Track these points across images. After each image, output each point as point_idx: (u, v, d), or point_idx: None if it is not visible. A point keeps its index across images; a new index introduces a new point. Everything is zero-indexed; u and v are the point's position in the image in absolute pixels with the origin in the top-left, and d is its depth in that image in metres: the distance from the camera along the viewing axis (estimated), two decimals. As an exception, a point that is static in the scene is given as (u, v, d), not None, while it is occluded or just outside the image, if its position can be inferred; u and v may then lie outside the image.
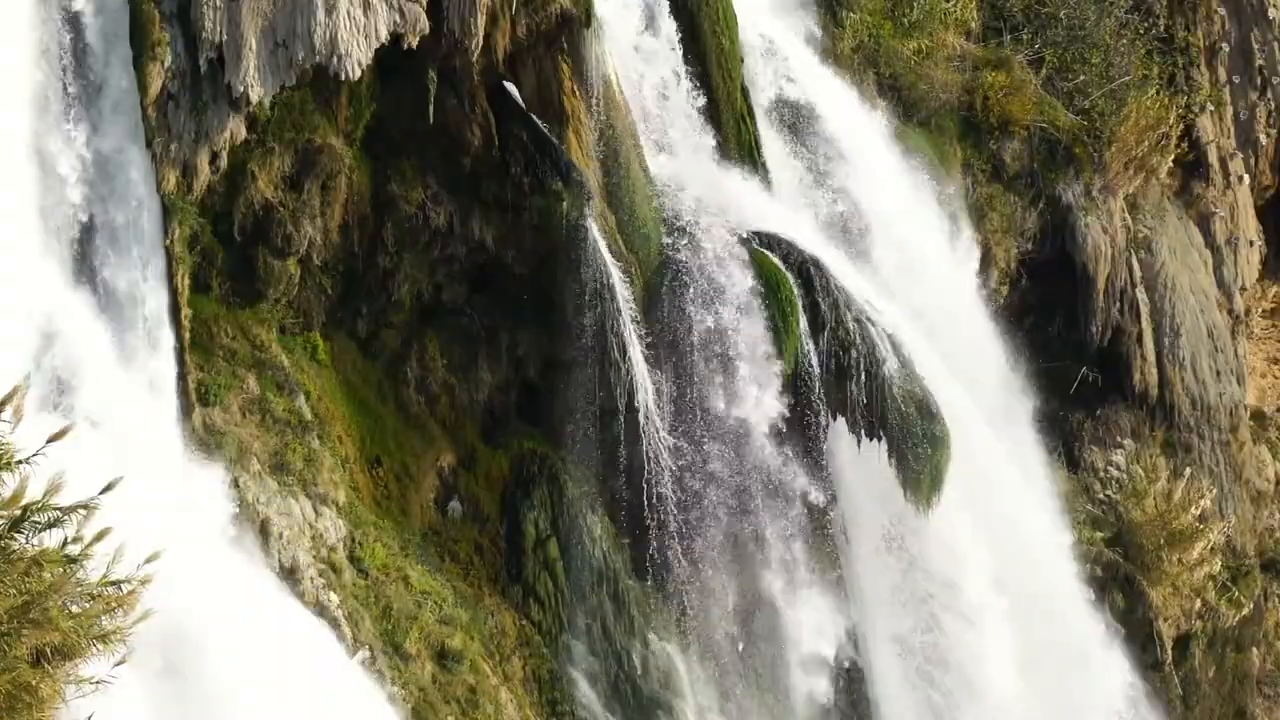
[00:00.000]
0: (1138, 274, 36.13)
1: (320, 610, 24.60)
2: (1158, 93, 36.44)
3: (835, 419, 28.41)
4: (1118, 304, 35.70)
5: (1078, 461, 35.98)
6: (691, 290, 27.35)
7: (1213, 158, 38.61)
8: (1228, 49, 39.01)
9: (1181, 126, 37.75)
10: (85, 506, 14.28)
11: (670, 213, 27.88)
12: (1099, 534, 34.85)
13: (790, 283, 27.78)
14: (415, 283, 26.89)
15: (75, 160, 23.02)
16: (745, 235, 27.85)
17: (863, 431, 28.41)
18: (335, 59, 23.98)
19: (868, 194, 30.59)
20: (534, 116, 26.54)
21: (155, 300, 23.79)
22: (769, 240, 28.12)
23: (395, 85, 25.94)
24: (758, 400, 27.59)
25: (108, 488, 14.60)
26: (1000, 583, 29.84)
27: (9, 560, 14.03)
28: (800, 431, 28.09)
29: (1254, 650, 37.47)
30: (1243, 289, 39.55)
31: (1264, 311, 41.53)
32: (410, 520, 27.17)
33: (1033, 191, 35.08)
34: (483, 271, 27.32)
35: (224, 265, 25.36)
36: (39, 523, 14.24)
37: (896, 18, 33.90)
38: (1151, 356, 36.28)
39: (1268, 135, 39.97)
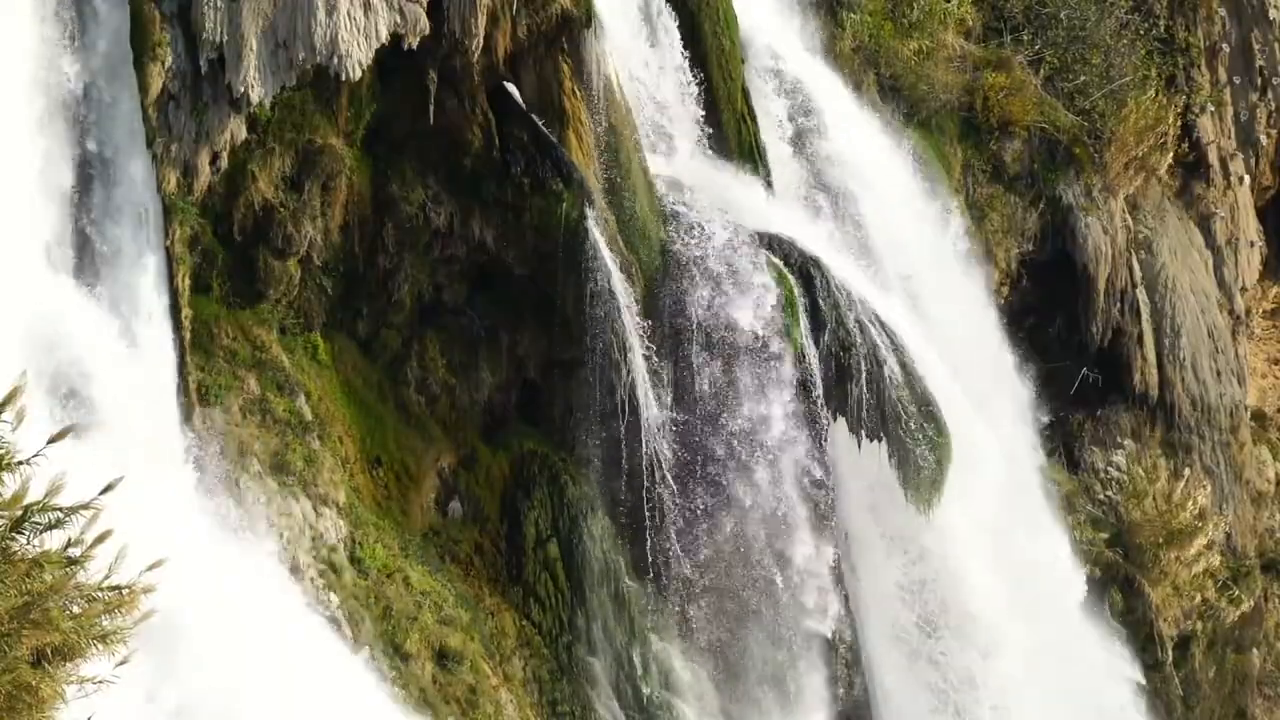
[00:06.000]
0: (1138, 275, 36.13)
1: (320, 610, 24.59)
2: (1158, 93, 36.44)
3: (836, 419, 28.41)
4: (1118, 305, 35.70)
5: (1078, 462, 35.99)
6: (692, 290, 27.34)
7: (1213, 158, 38.61)
8: (1228, 49, 39.00)
9: (1181, 127, 37.76)
10: (87, 507, 14.27)
11: (671, 213, 27.88)
12: (1099, 534, 34.86)
13: (791, 283, 27.78)
14: (415, 283, 26.88)
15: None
16: (747, 235, 27.84)
17: (864, 432, 28.42)
18: (335, 59, 23.98)
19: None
20: (534, 117, 26.54)
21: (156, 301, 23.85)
22: (770, 241, 28.12)
23: (395, 86, 25.94)
24: (759, 400, 27.58)
25: (108, 488, 14.58)
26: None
27: (10, 561, 14.02)
28: (802, 431, 28.08)
29: (1254, 651, 37.48)
30: (1243, 289, 39.54)
31: (1264, 312, 41.53)
32: (410, 521, 27.16)
33: (1033, 192, 35.09)
34: (483, 272, 27.31)
35: (224, 266, 25.36)
36: (40, 524, 14.23)
37: (896, 18, 33.90)
38: (1152, 357, 36.28)
39: (1268, 136, 39.97)
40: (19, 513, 14.17)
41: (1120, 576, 34.58)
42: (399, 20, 24.42)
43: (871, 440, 28.53)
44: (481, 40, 25.43)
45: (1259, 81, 39.65)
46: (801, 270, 28.05)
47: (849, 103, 32.02)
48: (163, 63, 23.44)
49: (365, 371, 27.08)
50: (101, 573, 14.40)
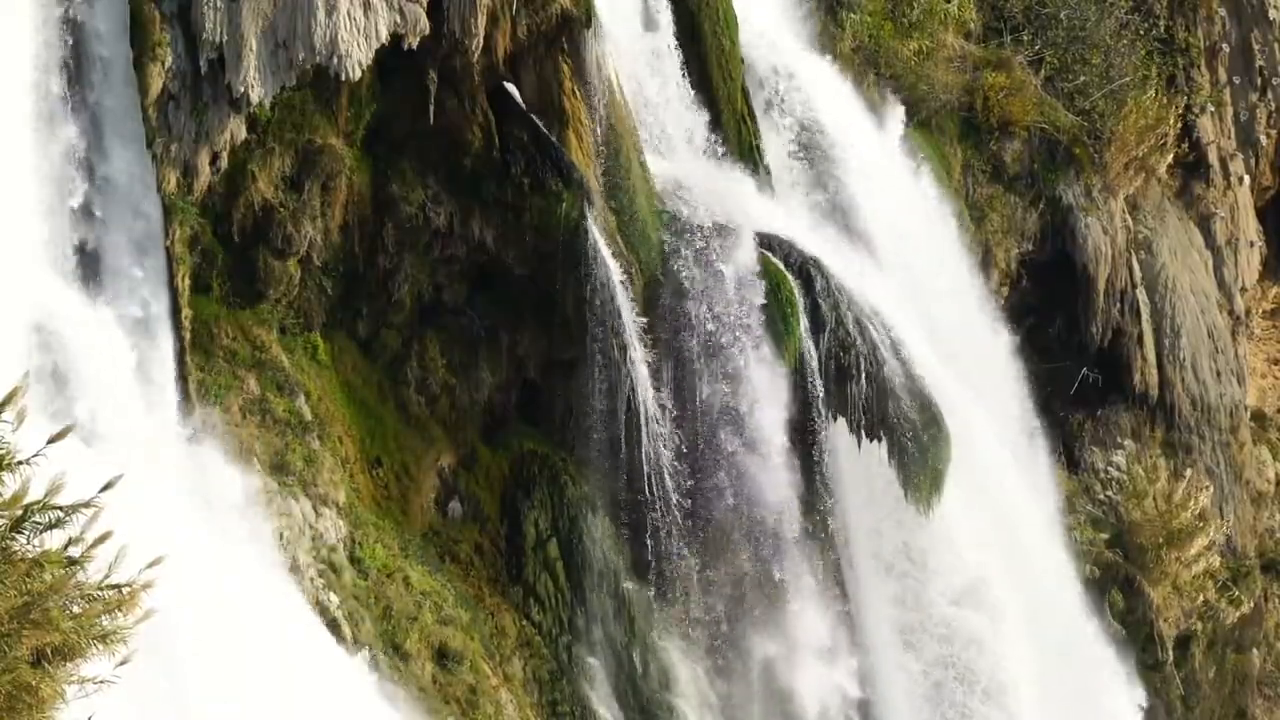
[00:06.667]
0: (1138, 275, 36.13)
1: (320, 610, 24.58)
2: (1158, 93, 36.44)
3: (835, 420, 28.40)
4: (1118, 305, 35.70)
5: (1078, 462, 36.00)
6: (692, 290, 27.34)
7: (1213, 158, 38.61)
8: (1228, 50, 38.99)
9: (1181, 127, 37.77)
10: (87, 506, 14.27)
11: (671, 213, 27.88)
12: (1099, 534, 34.86)
13: (790, 283, 27.78)
14: (415, 283, 26.88)
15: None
16: (746, 235, 27.84)
17: (863, 432, 28.41)
18: (335, 59, 23.97)
19: None
20: (534, 117, 26.54)
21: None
22: (769, 241, 28.11)
23: (395, 86, 25.93)
24: (758, 401, 27.58)
25: (107, 486, 14.59)
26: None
27: (10, 561, 14.02)
28: (801, 432, 28.08)
29: (1254, 651, 37.48)
30: (1243, 290, 39.54)
31: (1264, 312, 41.53)
32: (410, 520, 27.16)
33: (1033, 192, 35.09)
34: (483, 272, 27.31)
35: (224, 266, 25.35)
36: (40, 523, 14.23)
37: (896, 18, 33.91)
38: (1152, 357, 36.28)
39: (1268, 136, 39.96)
40: (19, 513, 14.17)
41: (1120, 576, 34.58)
42: (399, 20, 24.42)
43: (871, 440, 28.53)
44: (481, 40, 25.42)
45: (1259, 81, 39.65)
46: (801, 270, 28.05)
47: (847, 99, 32.02)
48: (163, 63, 23.43)
49: (365, 371, 27.08)
50: (101, 573, 14.40)
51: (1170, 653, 34.94)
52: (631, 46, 28.26)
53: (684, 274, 27.42)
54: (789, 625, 28.57)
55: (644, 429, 26.83)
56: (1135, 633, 34.32)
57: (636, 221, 27.41)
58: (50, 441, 14.39)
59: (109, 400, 22.43)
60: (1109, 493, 35.75)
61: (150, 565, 14.47)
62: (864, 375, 28.17)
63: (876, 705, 29.68)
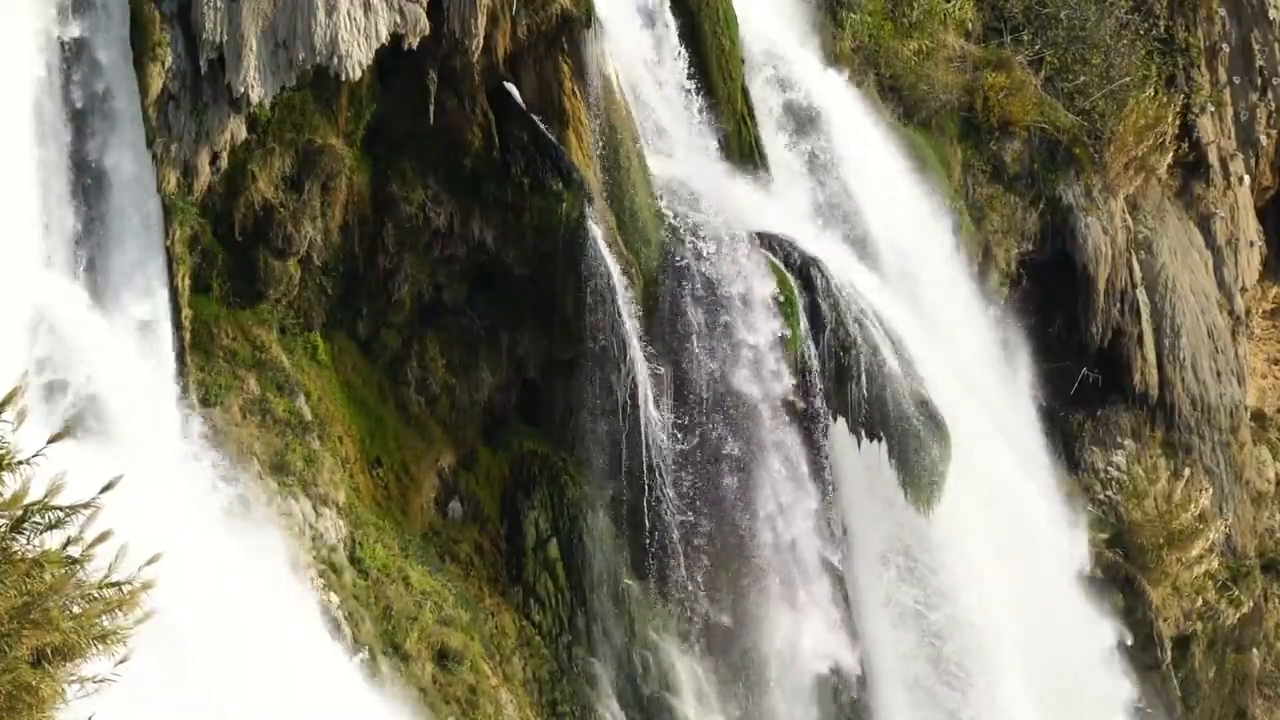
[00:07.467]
0: (1138, 275, 36.15)
1: (320, 611, 24.58)
2: (1158, 93, 36.46)
3: (836, 420, 28.40)
4: (1118, 305, 35.72)
5: (1078, 462, 36.01)
6: (692, 290, 27.34)
7: (1213, 158, 38.63)
8: (1228, 49, 39.02)
9: (1181, 126, 37.79)
10: (87, 506, 14.28)
11: (671, 213, 27.88)
12: (1099, 534, 34.87)
13: (791, 283, 27.78)
14: (415, 283, 26.88)
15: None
16: (747, 236, 27.84)
17: (863, 432, 28.41)
18: (335, 59, 23.97)
19: None
20: (534, 117, 26.54)
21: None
22: (769, 241, 28.12)
23: (395, 86, 25.94)
24: (758, 401, 27.58)
25: (107, 487, 14.59)
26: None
27: (10, 561, 14.03)
28: (801, 432, 28.08)
29: (1254, 651, 37.49)
30: (1243, 290, 39.57)
31: (1264, 312, 41.55)
32: (410, 521, 27.16)
33: (1033, 192, 35.11)
34: (483, 272, 27.32)
35: (224, 266, 25.36)
36: (40, 524, 14.23)
37: (896, 18, 33.93)
38: (1152, 357, 36.30)
39: (1268, 136, 39.98)
40: (19, 513, 14.18)
41: (1120, 577, 34.59)
42: (399, 20, 24.42)
43: (871, 440, 28.52)
44: (481, 40, 25.43)
45: (1259, 81, 39.67)
46: (801, 270, 28.05)
47: (850, 102, 32.03)
48: (163, 63, 23.43)
49: (365, 371, 27.08)
50: (101, 572, 14.40)
51: (1170, 653, 34.95)
52: (631, 46, 28.25)
53: (684, 274, 27.42)
54: (789, 624, 28.56)
55: (644, 429, 26.82)
56: (1135, 633, 34.33)
57: (636, 221, 27.41)
58: (50, 441, 14.40)
59: (108, 400, 22.43)
60: (1109, 493, 35.77)
61: (149, 563, 14.47)
62: (864, 375, 28.17)
63: (875, 699, 29.71)
